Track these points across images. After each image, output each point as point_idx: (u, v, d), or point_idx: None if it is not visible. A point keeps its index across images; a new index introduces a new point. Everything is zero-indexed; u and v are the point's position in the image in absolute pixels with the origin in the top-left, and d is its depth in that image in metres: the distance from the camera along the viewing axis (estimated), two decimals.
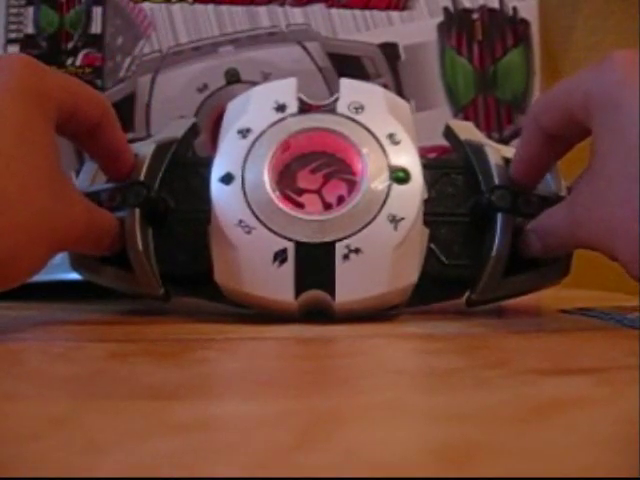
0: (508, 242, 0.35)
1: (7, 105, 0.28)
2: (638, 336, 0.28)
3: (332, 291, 0.32)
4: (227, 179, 0.33)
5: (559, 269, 0.37)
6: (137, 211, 0.35)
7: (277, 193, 0.33)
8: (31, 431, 0.15)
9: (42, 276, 0.31)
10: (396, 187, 0.33)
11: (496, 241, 0.34)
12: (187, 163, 0.37)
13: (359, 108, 0.35)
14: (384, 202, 0.33)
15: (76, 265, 0.37)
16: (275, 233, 0.32)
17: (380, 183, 0.33)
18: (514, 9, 0.59)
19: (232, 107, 0.37)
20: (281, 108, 0.35)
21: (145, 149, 0.37)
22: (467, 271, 0.36)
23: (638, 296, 0.39)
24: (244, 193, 0.33)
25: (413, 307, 0.36)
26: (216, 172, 0.34)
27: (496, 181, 0.35)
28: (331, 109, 0.35)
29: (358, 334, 0.30)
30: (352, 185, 0.34)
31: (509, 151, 0.37)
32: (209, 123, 0.54)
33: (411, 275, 0.34)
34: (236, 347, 0.28)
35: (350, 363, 0.24)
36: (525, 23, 0.59)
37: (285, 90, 0.36)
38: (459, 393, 0.19)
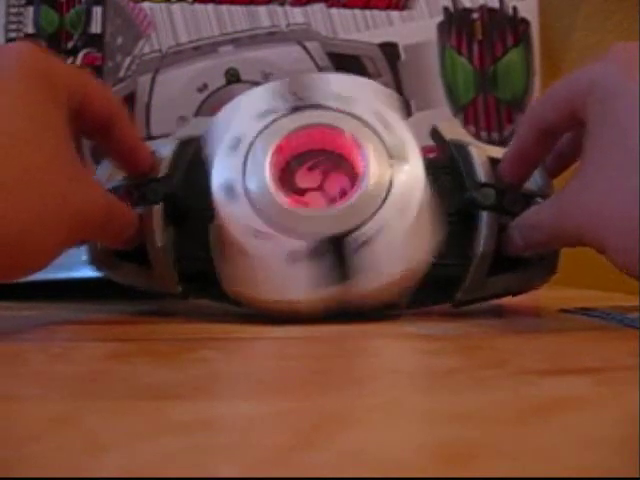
0: (493, 241, 0.34)
1: (17, 88, 0.28)
2: (638, 336, 0.28)
3: (350, 283, 0.32)
4: (230, 192, 0.33)
5: (545, 268, 0.37)
6: (156, 208, 0.35)
7: (281, 195, 0.33)
8: (31, 431, 0.15)
9: (43, 275, 0.31)
10: (398, 170, 0.33)
11: (481, 240, 0.34)
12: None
13: (346, 99, 0.35)
14: (389, 188, 0.33)
15: (93, 260, 0.37)
16: (287, 235, 0.32)
17: (381, 169, 0.33)
18: (514, 9, 0.59)
19: (217, 123, 0.36)
20: (266, 113, 0.35)
21: (165, 146, 0.36)
22: (454, 270, 0.35)
23: (638, 296, 0.39)
24: (250, 202, 0.33)
25: (402, 309, 0.36)
26: (218, 189, 0.33)
27: (481, 179, 0.35)
28: (318, 104, 0.35)
29: (358, 334, 0.30)
30: (353, 176, 0.34)
31: (495, 150, 0.37)
32: None
33: (425, 253, 0.33)
34: (236, 347, 0.28)
35: (350, 363, 0.24)
36: (525, 23, 0.59)
37: (266, 95, 0.36)
38: (459, 393, 0.19)
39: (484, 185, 0.35)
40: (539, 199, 0.36)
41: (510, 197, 0.35)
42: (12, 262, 0.27)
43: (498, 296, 0.37)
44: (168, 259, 0.35)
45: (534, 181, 0.36)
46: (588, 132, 0.30)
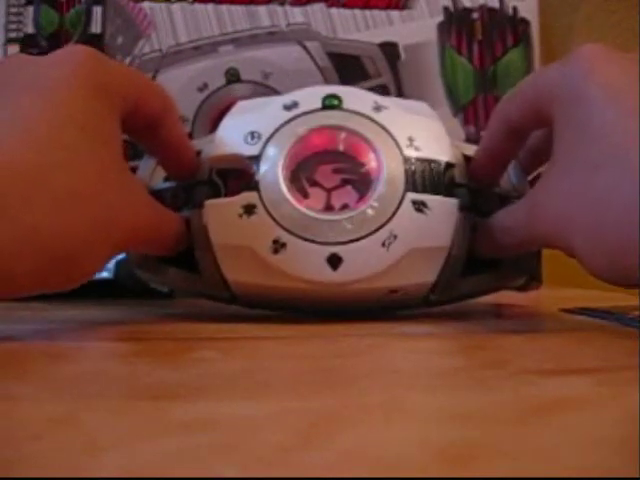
0: (466, 241, 0.34)
1: (71, 97, 0.28)
2: (638, 336, 0.28)
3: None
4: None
5: (520, 268, 0.36)
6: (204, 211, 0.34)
7: (294, 191, 0.33)
8: (31, 431, 0.15)
9: None
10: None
11: (455, 240, 0.34)
12: None
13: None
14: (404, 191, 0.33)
15: (136, 265, 0.36)
16: (312, 242, 0.32)
17: (397, 172, 0.33)
18: (514, 8, 0.59)
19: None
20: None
21: (210, 146, 0.35)
22: None
23: (638, 296, 0.39)
24: (270, 216, 0.33)
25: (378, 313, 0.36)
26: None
27: (455, 179, 0.34)
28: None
29: (358, 334, 0.30)
30: (363, 193, 0.33)
31: (470, 149, 0.36)
32: (209, 122, 0.54)
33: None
34: (236, 347, 0.28)
35: (350, 363, 0.24)
36: (525, 22, 0.59)
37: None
38: (459, 393, 0.19)
39: (458, 184, 0.34)
40: (515, 199, 0.35)
41: (484, 197, 0.35)
42: (63, 275, 0.27)
43: (472, 296, 0.37)
44: (217, 263, 0.33)
45: (508, 180, 0.36)
46: (555, 133, 0.30)
